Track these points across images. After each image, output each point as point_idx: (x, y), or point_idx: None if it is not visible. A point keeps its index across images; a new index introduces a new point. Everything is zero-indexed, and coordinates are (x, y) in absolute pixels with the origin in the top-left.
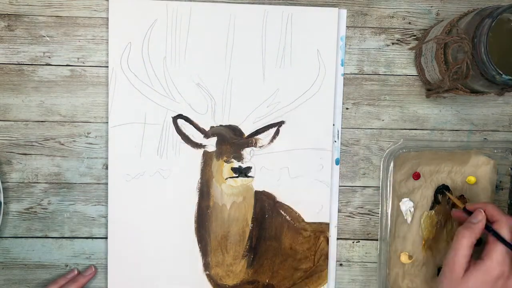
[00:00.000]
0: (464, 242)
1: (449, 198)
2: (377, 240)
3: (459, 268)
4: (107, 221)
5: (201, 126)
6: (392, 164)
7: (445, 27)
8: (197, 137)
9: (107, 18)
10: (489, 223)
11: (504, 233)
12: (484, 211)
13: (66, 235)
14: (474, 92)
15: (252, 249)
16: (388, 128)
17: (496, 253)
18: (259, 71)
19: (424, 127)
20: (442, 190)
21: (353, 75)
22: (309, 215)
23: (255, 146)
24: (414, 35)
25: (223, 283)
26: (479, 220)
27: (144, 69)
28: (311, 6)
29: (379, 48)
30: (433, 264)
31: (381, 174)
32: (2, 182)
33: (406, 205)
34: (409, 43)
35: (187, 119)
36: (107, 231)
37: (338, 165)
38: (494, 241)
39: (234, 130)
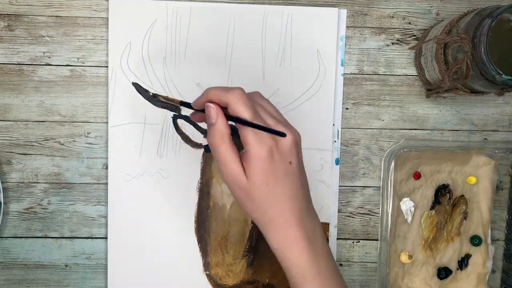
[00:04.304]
0: (223, 149)
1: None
2: (377, 240)
3: (239, 175)
4: (107, 221)
5: (201, 126)
6: (393, 164)
7: (445, 27)
8: (197, 137)
9: (107, 18)
10: (226, 111)
11: (242, 111)
12: (211, 102)
13: (66, 235)
14: (474, 92)
15: (252, 249)
16: (388, 128)
17: (250, 135)
18: (259, 71)
19: (424, 127)
20: None
21: (353, 75)
22: None
23: None
24: (414, 35)
25: (223, 283)
26: (215, 117)
27: (144, 69)
28: (311, 6)
29: (379, 48)
30: (433, 263)
31: (382, 173)
32: (2, 182)
33: (406, 204)
34: (409, 43)
35: (187, 119)
36: (107, 231)
37: (338, 165)
38: (240, 126)
39: (234, 130)
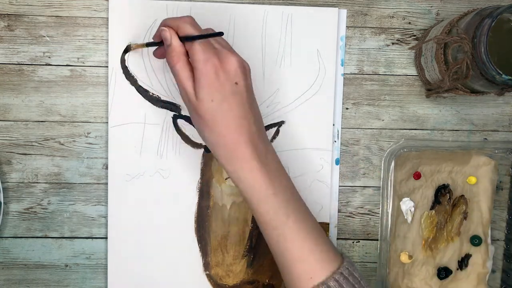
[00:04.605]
0: (179, 67)
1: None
2: (377, 240)
3: (190, 92)
4: (107, 221)
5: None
6: (393, 164)
7: (445, 27)
8: (197, 137)
9: (107, 18)
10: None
11: (190, 30)
12: (166, 27)
13: (66, 235)
14: (474, 92)
15: (252, 249)
16: (388, 128)
17: (197, 52)
18: (259, 71)
19: (424, 127)
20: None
21: (353, 75)
22: None
23: None
24: (414, 35)
25: (223, 283)
26: (169, 38)
27: (144, 69)
28: (311, 6)
29: (379, 48)
30: (433, 263)
31: (382, 173)
32: (2, 182)
33: (406, 204)
34: (409, 43)
35: (187, 119)
36: (107, 231)
37: (338, 165)
38: (189, 45)
39: None
